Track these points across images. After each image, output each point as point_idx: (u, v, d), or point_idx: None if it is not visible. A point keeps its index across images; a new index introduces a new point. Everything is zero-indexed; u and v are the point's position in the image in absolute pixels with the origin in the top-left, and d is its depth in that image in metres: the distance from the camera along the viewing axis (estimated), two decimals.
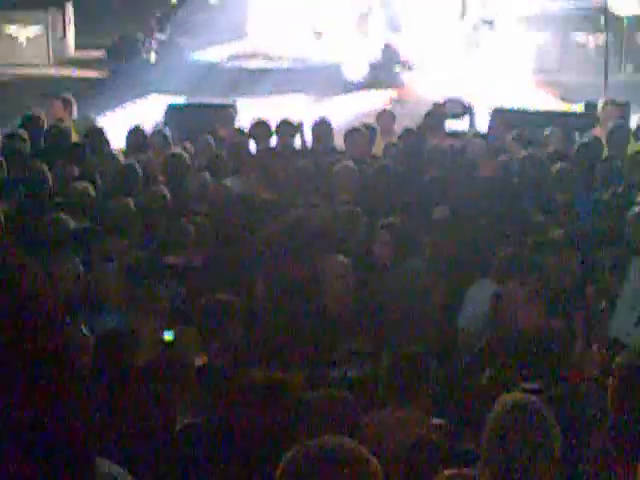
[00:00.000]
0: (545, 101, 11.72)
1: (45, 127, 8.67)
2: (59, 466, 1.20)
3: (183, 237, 6.02)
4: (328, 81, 13.95)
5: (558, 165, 7.13)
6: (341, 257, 5.48)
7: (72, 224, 6.15)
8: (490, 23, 11.99)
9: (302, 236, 6.03)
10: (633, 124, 9.10)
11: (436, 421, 4.04)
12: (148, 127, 8.85)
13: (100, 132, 8.41)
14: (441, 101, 9.78)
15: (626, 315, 4.74)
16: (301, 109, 12.24)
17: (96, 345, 4.46)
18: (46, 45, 16.28)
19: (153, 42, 14.83)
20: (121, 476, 1.82)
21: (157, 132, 8.54)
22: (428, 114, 8.78)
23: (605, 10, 12.20)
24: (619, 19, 14.27)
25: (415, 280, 5.64)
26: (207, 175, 7.23)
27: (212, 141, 8.31)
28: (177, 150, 7.94)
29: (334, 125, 8.60)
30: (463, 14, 12.84)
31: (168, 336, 4.54)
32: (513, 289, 5.08)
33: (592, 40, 14.11)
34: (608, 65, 11.79)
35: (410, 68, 14.62)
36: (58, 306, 1.29)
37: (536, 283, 5.17)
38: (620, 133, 8.17)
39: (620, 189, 6.94)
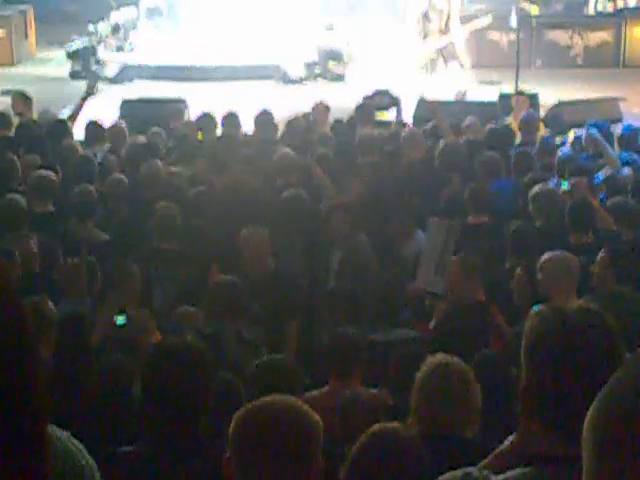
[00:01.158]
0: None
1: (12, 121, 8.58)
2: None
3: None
4: (270, 77, 13.94)
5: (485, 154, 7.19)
6: (259, 228, 5.53)
7: (24, 204, 6.09)
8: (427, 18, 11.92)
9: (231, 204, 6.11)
10: (542, 113, 9.22)
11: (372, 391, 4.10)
12: (105, 120, 8.79)
13: (61, 125, 8.32)
14: (370, 93, 9.84)
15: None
16: (245, 102, 12.24)
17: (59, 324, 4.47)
18: (9, 46, 16.07)
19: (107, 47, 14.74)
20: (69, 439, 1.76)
21: (113, 125, 8.47)
22: (358, 106, 8.80)
23: (517, 10, 12.30)
24: (528, 18, 14.38)
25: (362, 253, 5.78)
26: (159, 163, 7.19)
27: (164, 132, 8.28)
28: (133, 140, 7.93)
29: (275, 116, 8.62)
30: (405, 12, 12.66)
31: (120, 321, 4.58)
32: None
33: (505, 37, 14.20)
34: (519, 60, 11.89)
35: (345, 63, 14.61)
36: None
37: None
38: (531, 121, 8.28)
39: (533, 174, 7.04)
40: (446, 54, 11.95)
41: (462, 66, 12.20)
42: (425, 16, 11.47)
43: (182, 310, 4.98)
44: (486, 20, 12.01)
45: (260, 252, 5.48)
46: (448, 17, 11.75)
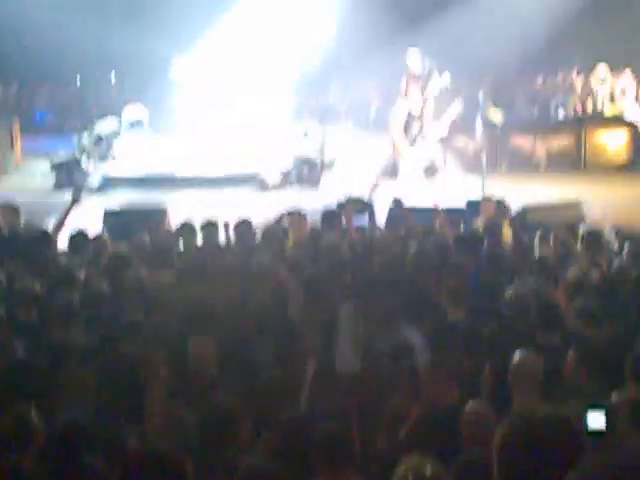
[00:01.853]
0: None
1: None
2: None
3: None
4: (248, 184, 14.07)
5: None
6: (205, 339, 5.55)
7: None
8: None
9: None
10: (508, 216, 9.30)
11: None
12: (89, 230, 8.80)
13: (45, 235, 8.33)
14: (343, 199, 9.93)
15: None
16: (226, 210, 12.32)
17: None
18: None
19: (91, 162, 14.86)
20: None
21: (96, 235, 8.49)
22: (327, 213, 8.87)
23: (482, 117, 12.53)
24: (492, 126, 14.60)
25: None
26: (143, 270, 7.20)
27: (146, 240, 8.30)
28: (116, 249, 7.93)
29: (254, 224, 8.66)
30: None
31: None
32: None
33: (470, 144, 14.41)
34: (485, 165, 12.07)
35: (322, 171, 14.76)
36: None
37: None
38: (497, 225, 8.37)
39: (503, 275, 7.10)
40: (432, 161, 12.10)
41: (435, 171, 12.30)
42: (407, 126, 11.65)
43: None
44: (458, 106, 12.14)
45: (203, 362, 5.50)
46: (426, 121, 11.91)
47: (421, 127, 11.61)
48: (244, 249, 7.94)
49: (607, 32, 20.42)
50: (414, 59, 14.99)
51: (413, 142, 11.56)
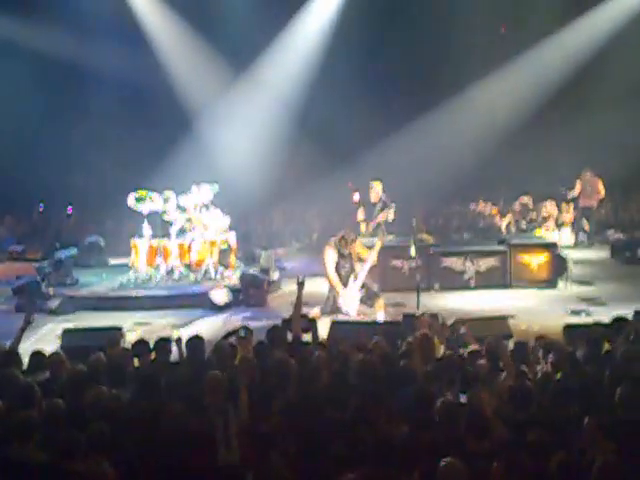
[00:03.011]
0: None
1: None
2: None
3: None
4: (200, 305, 14.05)
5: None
6: None
7: None
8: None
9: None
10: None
11: None
12: (47, 349, 8.70)
13: (4, 355, 8.20)
14: (287, 317, 9.98)
15: None
16: (178, 327, 12.27)
17: None
18: None
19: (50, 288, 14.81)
20: None
21: (54, 354, 8.38)
22: (273, 328, 8.88)
23: (415, 240, 12.70)
24: (425, 248, 14.83)
25: None
26: (102, 388, 7.09)
27: (103, 358, 8.20)
28: (74, 367, 7.83)
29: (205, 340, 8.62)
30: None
31: None
32: None
33: (406, 265, 14.60)
34: (420, 285, 12.22)
35: (267, 290, 14.81)
36: None
37: None
38: (430, 337, 8.42)
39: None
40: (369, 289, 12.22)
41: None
42: (337, 267, 11.86)
43: None
44: (379, 243, 12.32)
45: None
46: (358, 259, 12.07)
47: (351, 266, 11.84)
48: (195, 364, 7.88)
49: (529, 165, 21.13)
50: (375, 189, 15.49)
51: (345, 282, 11.78)
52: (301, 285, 9.30)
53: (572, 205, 19.85)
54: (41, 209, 22.49)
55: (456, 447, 5.74)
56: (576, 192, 19.00)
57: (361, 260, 11.96)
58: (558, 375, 7.26)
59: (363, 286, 11.85)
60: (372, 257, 11.99)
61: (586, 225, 19.61)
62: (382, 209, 15.40)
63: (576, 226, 19.63)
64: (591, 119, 20.27)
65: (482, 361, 7.77)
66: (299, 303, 9.12)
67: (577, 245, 19.26)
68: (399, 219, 16.02)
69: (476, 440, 5.85)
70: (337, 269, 11.80)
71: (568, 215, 19.96)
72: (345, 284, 11.82)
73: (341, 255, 11.83)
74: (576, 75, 21.17)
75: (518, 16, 21.49)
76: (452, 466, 5.16)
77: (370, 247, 12.16)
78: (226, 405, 6.62)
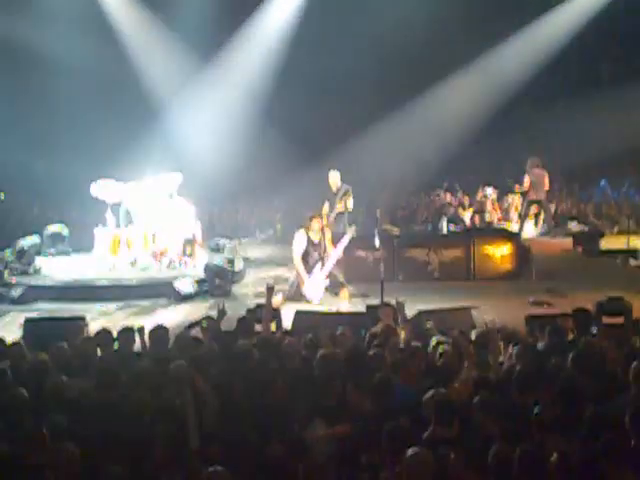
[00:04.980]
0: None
1: None
2: None
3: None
4: (163, 295, 13.95)
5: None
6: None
7: None
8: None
9: None
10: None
11: None
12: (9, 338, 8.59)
13: None
14: (252, 307, 9.97)
15: None
16: (141, 317, 12.19)
17: None
18: None
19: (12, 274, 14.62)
20: None
21: (14, 343, 8.27)
22: (241, 319, 8.84)
23: (379, 231, 12.67)
24: (389, 239, 14.87)
25: None
26: (63, 378, 7.02)
27: (65, 348, 8.11)
28: (36, 357, 7.74)
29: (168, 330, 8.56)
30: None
31: None
32: None
33: (370, 256, 14.60)
34: (384, 275, 12.21)
35: (231, 280, 14.75)
36: None
37: None
38: (393, 328, 8.44)
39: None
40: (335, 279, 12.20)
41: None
42: (305, 255, 11.81)
43: None
44: (349, 234, 12.34)
45: None
46: (324, 249, 12.05)
47: (319, 255, 11.79)
48: (158, 354, 7.81)
49: (494, 157, 21.27)
50: (333, 179, 15.47)
51: (311, 270, 11.73)
52: (270, 290, 9.28)
53: (522, 198, 19.88)
54: (2, 198, 22.19)
55: (420, 434, 5.77)
56: (525, 186, 18.99)
57: (329, 250, 11.96)
58: (518, 367, 7.28)
59: (329, 275, 11.83)
60: (341, 247, 11.98)
61: (541, 218, 19.73)
62: (341, 198, 15.39)
63: (524, 218, 19.60)
64: (554, 113, 20.45)
65: (446, 351, 7.79)
66: (268, 307, 9.11)
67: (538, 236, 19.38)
68: (363, 210, 16.03)
69: (442, 427, 5.88)
70: (305, 256, 11.76)
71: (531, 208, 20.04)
72: (310, 272, 11.78)
73: (311, 243, 11.78)
74: (538, 71, 21.36)
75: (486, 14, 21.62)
76: (419, 455, 5.16)
77: (339, 239, 12.17)
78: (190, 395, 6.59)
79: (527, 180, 18.87)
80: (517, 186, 19.17)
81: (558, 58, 21.08)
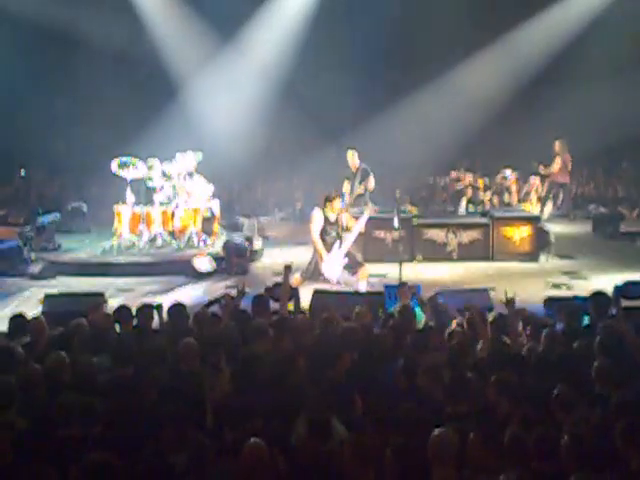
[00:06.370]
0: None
1: None
2: None
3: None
4: (182, 272, 13.97)
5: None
6: None
7: None
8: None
9: None
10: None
11: None
12: (29, 314, 8.61)
13: None
14: (270, 285, 9.95)
15: None
16: (159, 294, 12.22)
17: None
18: None
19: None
20: None
21: (34, 317, 8.29)
22: (256, 297, 8.81)
23: (398, 211, 12.58)
24: (409, 219, 14.83)
25: None
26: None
27: (84, 324, 8.11)
28: (53, 332, 7.76)
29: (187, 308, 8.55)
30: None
31: None
32: None
33: (389, 236, 14.56)
34: (402, 255, 12.17)
35: (249, 259, 14.77)
36: None
37: None
38: (410, 310, 8.40)
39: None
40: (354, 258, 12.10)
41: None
42: (322, 234, 11.69)
43: None
44: (366, 215, 12.16)
45: None
46: (342, 227, 11.93)
47: (337, 234, 11.67)
48: (177, 331, 7.81)
49: (514, 140, 21.09)
50: (351, 158, 15.40)
51: (330, 248, 11.61)
52: (288, 269, 9.25)
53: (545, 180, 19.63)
54: (22, 174, 22.24)
55: (437, 413, 5.75)
56: (556, 168, 18.68)
57: (349, 229, 11.85)
58: (539, 348, 7.24)
59: (348, 254, 11.75)
60: (360, 225, 11.89)
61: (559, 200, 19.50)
62: (362, 179, 15.29)
63: (544, 200, 19.37)
64: (575, 96, 20.25)
65: (463, 331, 7.75)
66: (286, 287, 9.07)
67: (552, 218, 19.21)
68: (382, 190, 15.94)
69: (454, 404, 5.88)
70: (323, 235, 11.68)
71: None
72: (329, 250, 11.70)
73: (328, 221, 11.70)
74: (559, 54, 21.13)
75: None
76: (444, 435, 5.15)
77: (357, 217, 12.06)
78: (204, 372, 6.59)
79: (558, 162, 18.48)
80: (542, 167, 18.85)
81: (581, 39, 20.83)
